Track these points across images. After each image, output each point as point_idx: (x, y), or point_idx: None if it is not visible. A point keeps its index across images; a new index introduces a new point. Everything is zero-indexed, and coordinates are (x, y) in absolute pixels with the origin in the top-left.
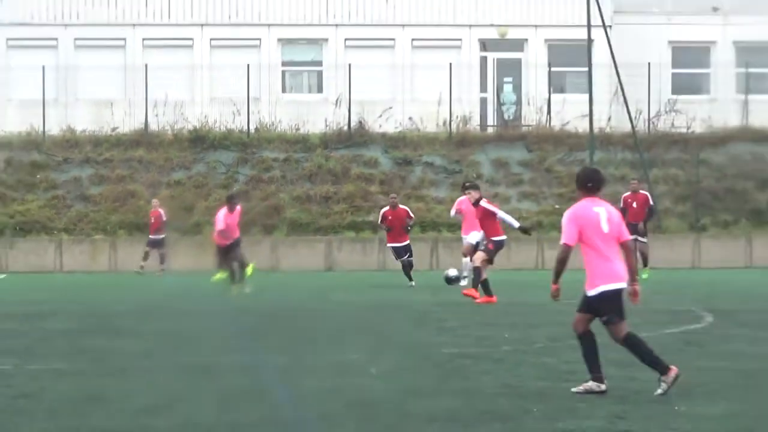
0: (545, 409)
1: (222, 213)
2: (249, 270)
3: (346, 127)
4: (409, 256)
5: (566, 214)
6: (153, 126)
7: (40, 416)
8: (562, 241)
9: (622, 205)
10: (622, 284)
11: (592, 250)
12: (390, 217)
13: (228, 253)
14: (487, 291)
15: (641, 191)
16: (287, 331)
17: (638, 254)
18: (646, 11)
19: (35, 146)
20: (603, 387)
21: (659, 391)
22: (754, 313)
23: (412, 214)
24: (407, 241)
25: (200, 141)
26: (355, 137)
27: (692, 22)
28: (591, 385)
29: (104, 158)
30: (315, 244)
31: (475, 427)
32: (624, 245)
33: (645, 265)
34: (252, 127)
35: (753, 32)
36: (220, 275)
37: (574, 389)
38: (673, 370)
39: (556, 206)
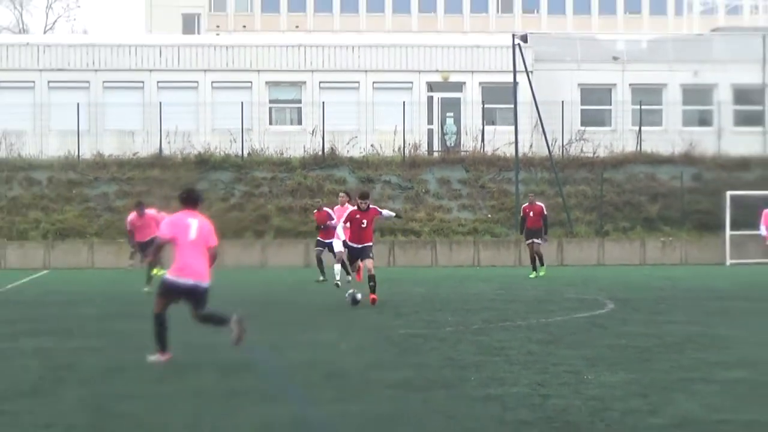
0: (480, 378)
1: (131, 216)
2: (156, 271)
3: (320, 152)
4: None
5: (166, 219)
6: (166, 151)
7: (75, 384)
8: (157, 235)
9: (522, 214)
10: (190, 281)
11: (180, 248)
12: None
13: (145, 250)
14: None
15: (537, 203)
16: (275, 316)
17: (536, 255)
18: (560, 60)
19: (71, 167)
20: (166, 357)
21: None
22: (646, 301)
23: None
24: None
25: (204, 163)
26: (327, 160)
27: (597, 68)
28: (159, 356)
29: (127, 177)
30: (296, 245)
31: (425, 393)
32: (209, 250)
33: (541, 264)
34: (245, 153)
35: (646, 77)
36: (157, 270)
37: (150, 359)
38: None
39: (489, 215)
